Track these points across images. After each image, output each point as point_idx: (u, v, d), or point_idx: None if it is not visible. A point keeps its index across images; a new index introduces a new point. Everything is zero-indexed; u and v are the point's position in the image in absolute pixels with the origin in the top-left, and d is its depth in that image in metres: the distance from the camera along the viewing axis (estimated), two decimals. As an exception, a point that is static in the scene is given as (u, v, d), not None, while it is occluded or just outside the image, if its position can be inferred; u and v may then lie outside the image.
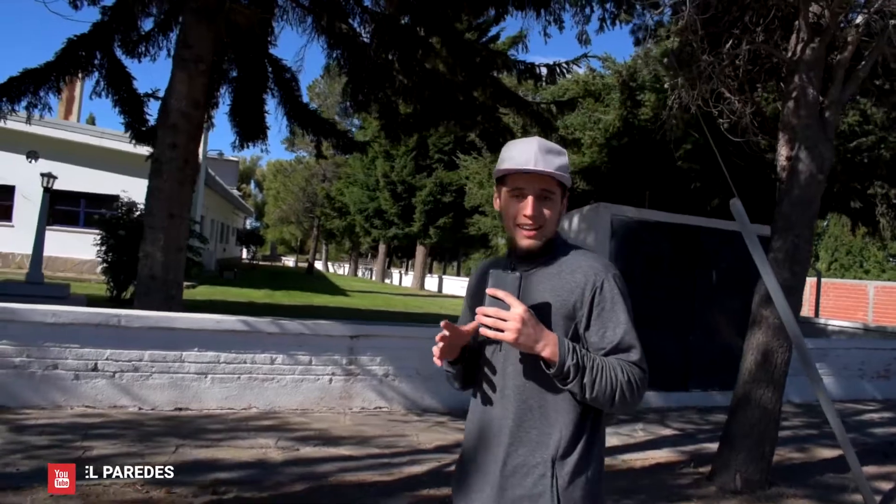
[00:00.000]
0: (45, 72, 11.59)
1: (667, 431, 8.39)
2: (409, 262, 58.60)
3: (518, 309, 1.92)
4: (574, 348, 1.98)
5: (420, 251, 40.01)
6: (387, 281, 50.12)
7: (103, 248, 16.52)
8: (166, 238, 9.53)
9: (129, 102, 12.74)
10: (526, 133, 13.24)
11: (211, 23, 9.81)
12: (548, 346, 1.95)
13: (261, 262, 61.26)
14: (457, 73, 11.41)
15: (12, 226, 23.13)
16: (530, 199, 2.08)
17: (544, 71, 11.28)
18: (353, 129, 38.48)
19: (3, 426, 6.25)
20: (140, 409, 7.18)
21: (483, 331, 1.96)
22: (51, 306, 7.16)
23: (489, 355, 2.21)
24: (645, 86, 17.76)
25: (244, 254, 56.23)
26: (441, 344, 2.13)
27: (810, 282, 23.09)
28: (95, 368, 7.02)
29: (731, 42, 6.98)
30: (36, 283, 14.84)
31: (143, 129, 12.99)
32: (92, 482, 5.09)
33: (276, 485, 5.43)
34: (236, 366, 7.49)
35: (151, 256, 9.47)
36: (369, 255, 67.21)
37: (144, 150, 21.86)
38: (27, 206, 22.85)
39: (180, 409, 7.32)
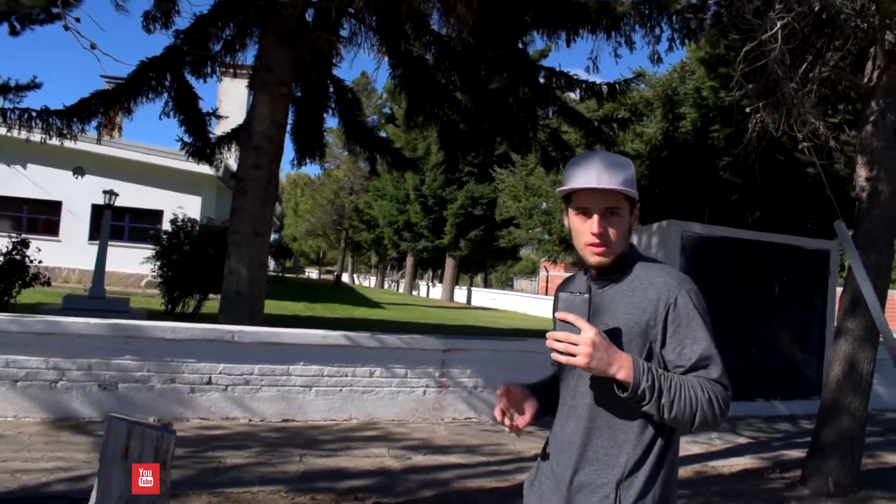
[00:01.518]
0: (116, 93, 12.03)
1: (741, 440, 8.71)
2: (436, 274, 58.93)
3: (589, 333, 1.90)
4: (649, 369, 1.96)
5: (449, 263, 40.38)
6: (414, 293, 50.49)
7: (158, 264, 16.92)
8: (251, 255, 9.90)
9: (194, 122, 13.17)
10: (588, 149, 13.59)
11: (291, 47, 10.21)
12: (622, 368, 1.92)
13: (287, 275, 61.75)
14: (518, 92, 11.76)
15: (59, 241, 23.57)
16: (596, 217, 2.06)
17: (605, 89, 11.62)
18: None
19: (136, 437, 6.61)
20: (251, 420, 7.55)
21: (555, 356, 1.95)
22: (171, 323, 7.55)
23: (565, 373, 2.24)
24: (686, 100, 18.13)
25: (271, 266, 56.67)
26: (504, 415, 2.21)
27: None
28: (210, 382, 7.41)
29: (804, 67, 7.32)
30: (98, 297, 15.23)
31: (207, 147, 13.41)
32: (240, 490, 5.46)
33: (407, 491, 5.79)
34: (338, 379, 7.87)
35: (237, 273, 9.84)
36: (393, 266, 67.60)
37: (189, 167, 22.37)
38: (73, 222, 23.33)
39: (287, 421, 7.69)
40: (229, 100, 25.72)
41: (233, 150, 14.09)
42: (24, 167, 23.24)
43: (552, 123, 12.62)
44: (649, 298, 2.06)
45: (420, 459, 6.71)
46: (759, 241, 10.32)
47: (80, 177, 23.08)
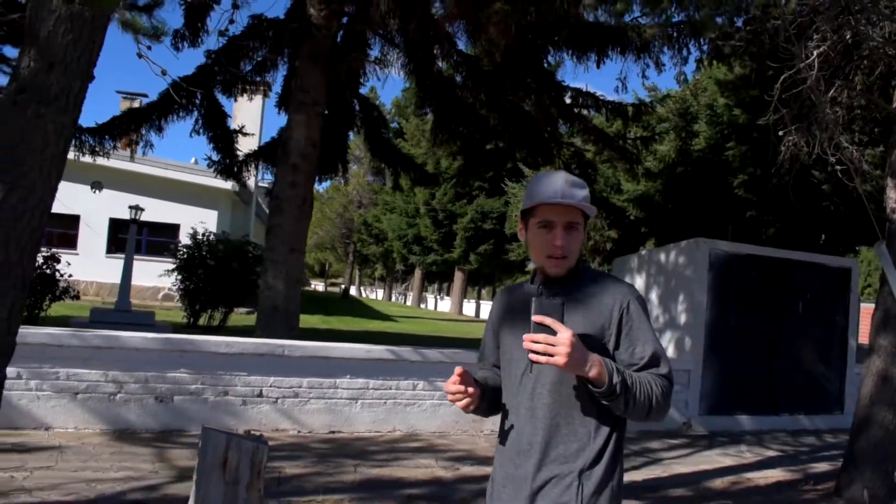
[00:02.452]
0: (148, 112, 12.28)
1: (770, 452, 8.93)
2: (443, 287, 59.17)
3: (566, 334, 1.99)
4: (616, 367, 2.09)
5: (458, 277, 40.66)
6: (422, 306, 50.79)
7: (179, 277, 17.13)
8: (287, 271, 10.14)
9: (222, 139, 13.40)
10: (612, 167, 13.88)
11: (325, 68, 10.47)
12: (594, 366, 2.03)
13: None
14: (544, 111, 12.03)
15: (77, 254, 23.79)
16: (559, 230, 2.20)
17: (630, 109, 11.90)
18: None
19: (194, 449, 6.84)
20: (299, 431, 7.78)
21: (533, 357, 2.01)
22: (224, 338, 7.79)
23: (517, 377, 2.31)
24: (700, 117, 18.40)
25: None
26: (458, 394, 2.27)
27: None
28: (260, 395, 7.64)
29: (832, 92, 7.57)
30: (124, 310, 15.46)
31: (234, 165, 13.66)
32: (305, 499, 5.69)
33: (463, 500, 6.02)
34: (383, 391, 8.10)
35: (274, 288, 10.08)
36: (399, 279, 67.81)
37: (205, 182, 22.61)
38: (91, 235, 23.56)
39: (334, 432, 7.92)
40: (243, 116, 25.95)
41: (259, 167, 14.34)
42: None
43: (576, 142, 12.88)
44: (605, 304, 2.22)
45: (468, 470, 6.93)
46: (783, 258, 10.56)
47: (97, 191, 23.34)
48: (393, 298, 65.12)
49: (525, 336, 2.03)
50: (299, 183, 10.29)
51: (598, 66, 10.49)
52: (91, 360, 7.11)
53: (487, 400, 2.41)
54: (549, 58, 11.48)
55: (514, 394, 2.31)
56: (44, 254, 14.40)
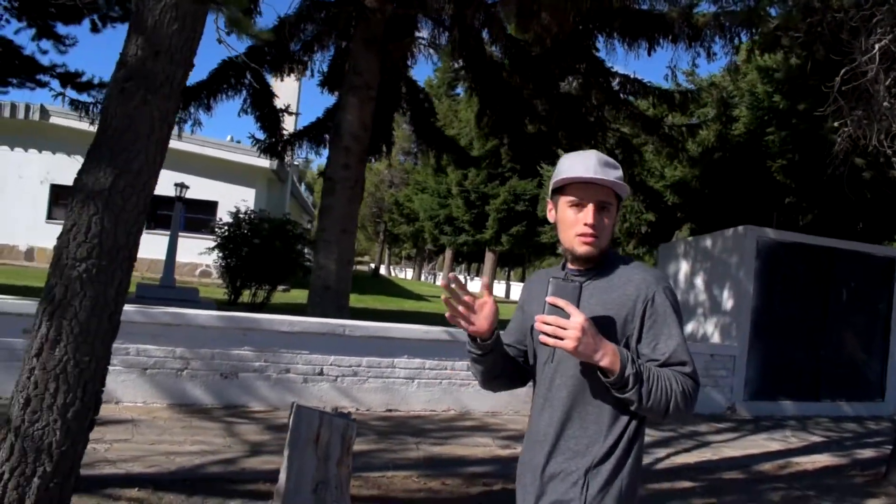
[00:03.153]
0: (197, 90, 12.46)
1: (815, 438, 9.04)
2: (471, 268, 59.31)
3: (578, 318, 1.94)
4: (632, 358, 2.01)
5: (489, 257, 40.68)
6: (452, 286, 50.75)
7: (220, 254, 17.32)
8: (339, 251, 10.32)
9: (268, 118, 13.59)
10: (658, 154, 13.94)
11: (378, 52, 10.61)
12: (606, 355, 1.95)
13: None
14: (591, 97, 12.12)
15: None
16: (591, 207, 2.12)
17: (678, 97, 11.96)
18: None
19: (261, 424, 7.08)
20: (357, 409, 7.97)
21: (542, 338, 1.97)
22: (287, 317, 7.97)
23: (541, 365, 2.27)
24: (741, 102, 18.37)
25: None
26: (452, 300, 2.20)
27: None
28: (321, 373, 7.84)
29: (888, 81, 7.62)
30: (169, 286, 15.70)
31: (279, 144, 13.84)
32: (377, 474, 5.88)
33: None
34: (438, 371, 8.29)
35: (326, 268, 10.27)
36: (427, 258, 68.00)
37: (244, 160, 22.81)
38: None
39: (390, 411, 8.11)
40: (282, 94, 26.18)
41: (304, 146, 14.52)
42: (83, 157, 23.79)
43: (622, 127, 12.95)
44: (628, 294, 2.13)
45: (520, 449, 7.09)
46: (829, 247, 10.63)
47: (136, 167, 23.63)
48: (422, 278, 65.38)
49: (537, 317, 2.00)
50: (351, 165, 10.45)
51: (648, 55, 10.62)
52: (159, 336, 7.32)
53: (496, 367, 2.35)
54: (600, 44, 11.54)
55: (538, 382, 2.29)
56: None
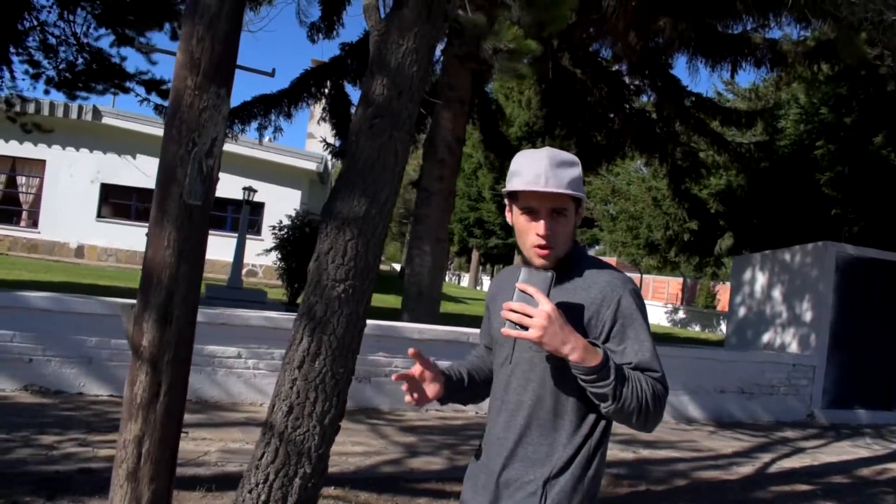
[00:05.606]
0: (278, 98, 12.91)
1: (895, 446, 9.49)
2: (495, 270, 59.68)
3: (546, 306, 1.86)
4: (608, 350, 1.94)
5: (518, 261, 40.97)
6: (478, 287, 51.53)
7: (280, 256, 17.71)
8: (433, 259, 10.76)
9: (345, 126, 14.03)
10: (724, 169, 14.38)
11: (473, 68, 11.04)
12: (576, 349, 1.85)
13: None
14: (663, 112, 12.55)
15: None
16: (542, 219, 2.01)
17: (744, 119, 12.41)
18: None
19: (399, 426, 7.52)
20: (477, 412, 8.42)
21: (505, 330, 1.91)
22: (417, 325, 8.44)
23: (498, 367, 2.21)
24: (787, 115, 18.79)
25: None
26: (407, 384, 2.23)
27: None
28: (443, 377, 8.27)
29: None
30: (236, 287, 16.13)
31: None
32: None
33: (660, 480, 6.63)
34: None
35: (420, 275, 10.72)
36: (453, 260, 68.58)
37: (290, 162, 23.17)
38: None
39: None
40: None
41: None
42: (134, 157, 24.24)
43: (692, 142, 13.40)
44: (592, 297, 2.03)
45: (645, 453, 7.54)
46: (903, 261, 11.08)
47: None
48: (447, 279, 65.82)
49: (504, 304, 1.92)
50: (445, 177, 10.89)
51: (731, 76, 11.07)
52: (300, 341, 7.73)
53: (467, 387, 2.36)
54: (682, 64, 11.98)
55: (495, 383, 2.23)
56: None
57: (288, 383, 4.30)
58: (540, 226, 2.00)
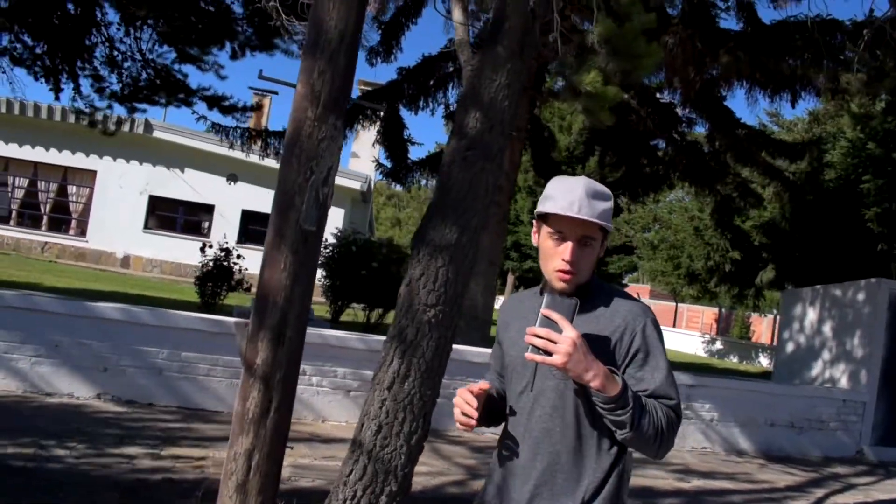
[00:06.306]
0: (333, 121, 13.11)
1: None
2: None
3: (571, 333, 1.88)
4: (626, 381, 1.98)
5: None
6: (510, 310, 51.61)
7: (326, 274, 17.90)
8: (485, 282, 10.91)
9: (397, 148, 14.28)
10: (777, 197, 14.45)
11: (531, 95, 11.22)
12: (598, 376, 1.88)
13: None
14: (714, 142, 12.66)
15: (210, 243, 24.92)
16: (570, 244, 2.05)
17: (796, 150, 12.51)
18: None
19: (463, 447, 7.66)
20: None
21: (529, 355, 1.92)
22: (474, 348, 8.58)
23: (516, 395, 2.20)
24: (834, 148, 18.78)
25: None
26: (468, 413, 2.13)
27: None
28: (500, 400, 8.39)
29: None
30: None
31: (402, 170, 14.53)
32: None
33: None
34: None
35: (473, 299, 10.86)
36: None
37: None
38: (224, 225, 24.61)
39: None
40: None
41: (427, 174, 15.16)
42: (182, 171, 24.66)
43: (742, 173, 13.48)
44: (615, 325, 2.08)
45: (697, 483, 7.62)
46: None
47: (233, 183, 24.43)
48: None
49: (528, 329, 1.93)
50: (501, 202, 11.06)
51: (792, 106, 11.15)
52: (364, 361, 7.92)
53: (489, 411, 2.29)
54: (741, 94, 12.10)
55: (516, 412, 2.20)
56: (222, 246, 15.36)
57: (377, 403, 4.45)
58: (567, 251, 2.05)
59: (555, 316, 1.90)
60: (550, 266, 2.10)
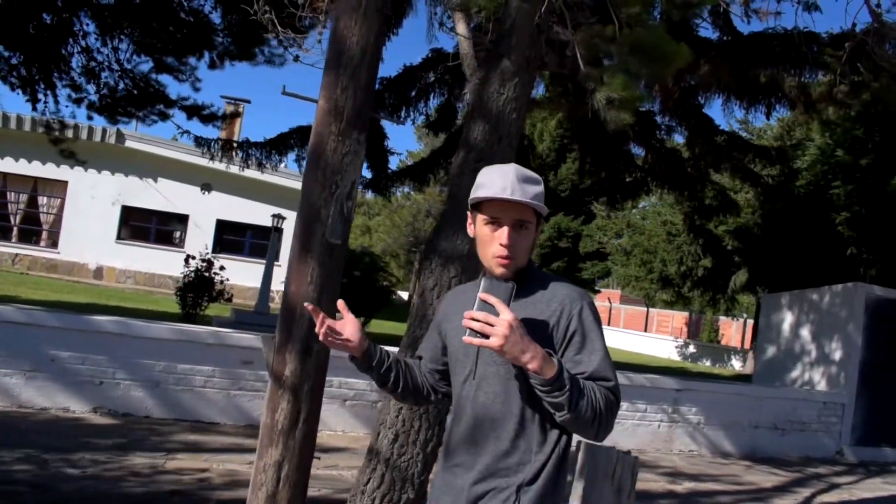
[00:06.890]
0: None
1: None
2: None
3: (507, 315, 1.89)
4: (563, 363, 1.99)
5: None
6: (488, 317, 51.66)
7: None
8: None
9: (377, 158, 14.30)
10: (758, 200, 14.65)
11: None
12: (535, 358, 1.90)
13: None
14: (694, 148, 12.84)
15: (184, 252, 24.74)
16: (506, 228, 2.08)
17: (774, 154, 12.70)
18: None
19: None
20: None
21: (467, 338, 1.93)
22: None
23: (460, 384, 2.23)
24: (804, 156, 19.11)
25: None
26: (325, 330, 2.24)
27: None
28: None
29: None
30: (263, 313, 16.28)
31: (382, 181, 14.55)
32: None
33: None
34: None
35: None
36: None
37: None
38: (198, 235, 24.46)
39: (551, 445, 8.75)
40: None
41: (406, 185, 15.22)
42: (156, 181, 24.49)
43: (722, 179, 13.66)
44: (552, 309, 2.11)
45: (689, 485, 7.75)
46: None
47: (206, 192, 24.31)
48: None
49: (465, 313, 1.94)
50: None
51: (767, 117, 11.29)
52: (355, 370, 7.93)
53: (395, 376, 2.39)
54: (718, 105, 12.30)
55: (458, 401, 2.26)
56: (202, 257, 15.33)
57: (393, 412, 4.52)
58: (504, 235, 2.07)
59: (492, 300, 1.92)
60: (488, 252, 2.13)
